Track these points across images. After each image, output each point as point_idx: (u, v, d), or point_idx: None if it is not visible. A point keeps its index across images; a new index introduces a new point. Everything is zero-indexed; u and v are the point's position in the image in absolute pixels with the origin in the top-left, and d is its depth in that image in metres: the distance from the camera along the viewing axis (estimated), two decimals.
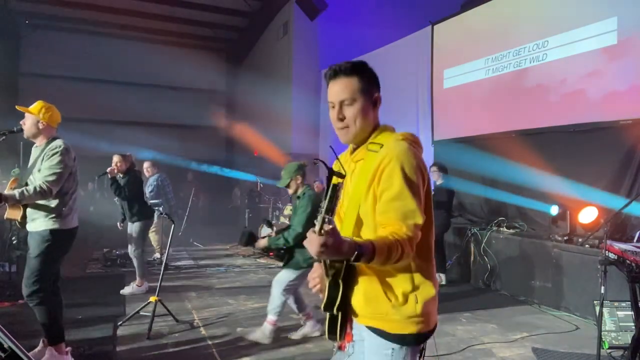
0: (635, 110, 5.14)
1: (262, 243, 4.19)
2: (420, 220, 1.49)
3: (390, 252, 1.41)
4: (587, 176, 5.57)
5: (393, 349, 1.59)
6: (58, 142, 3.44)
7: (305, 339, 4.26)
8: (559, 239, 5.47)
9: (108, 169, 5.78)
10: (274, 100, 12.53)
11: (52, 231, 3.36)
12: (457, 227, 6.95)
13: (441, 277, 6.19)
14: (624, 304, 3.66)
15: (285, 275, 4.23)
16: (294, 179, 4.12)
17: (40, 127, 3.45)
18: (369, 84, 1.63)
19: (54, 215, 3.38)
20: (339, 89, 1.61)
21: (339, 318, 1.58)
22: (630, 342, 3.24)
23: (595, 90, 5.69)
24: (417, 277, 1.59)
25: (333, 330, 1.60)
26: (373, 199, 1.56)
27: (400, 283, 1.58)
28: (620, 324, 3.65)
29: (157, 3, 12.42)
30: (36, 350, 3.48)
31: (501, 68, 6.98)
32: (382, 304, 1.58)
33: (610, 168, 5.44)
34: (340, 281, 1.54)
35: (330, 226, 1.32)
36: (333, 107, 1.63)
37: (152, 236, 7.66)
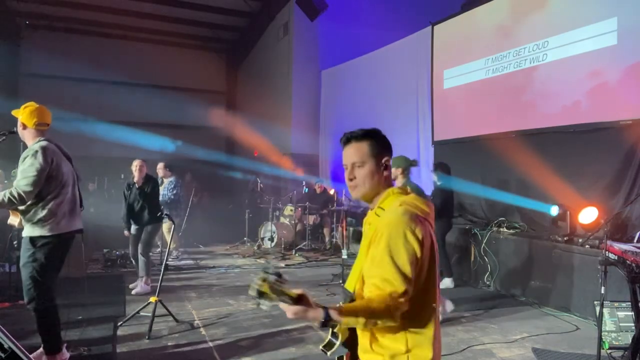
0: (635, 111, 5.14)
1: None
2: (399, 288, 1.52)
3: (361, 318, 1.50)
4: (587, 176, 5.58)
5: None
6: (35, 145, 3.28)
7: (305, 340, 4.26)
8: (559, 239, 5.47)
9: (135, 180, 5.90)
10: (274, 100, 12.53)
11: (32, 238, 3.26)
12: (457, 227, 6.94)
13: (446, 281, 6.17)
14: (624, 305, 3.66)
15: None
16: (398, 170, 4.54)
17: (20, 128, 3.37)
18: (378, 149, 1.77)
19: (33, 221, 3.26)
20: (350, 153, 1.77)
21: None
22: (630, 342, 3.24)
23: (595, 90, 5.69)
24: (411, 340, 1.62)
25: None
26: (370, 260, 1.66)
27: (391, 343, 1.63)
28: (621, 324, 3.65)
29: (157, 4, 12.43)
30: (38, 352, 3.45)
31: (501, 68, 6.99)
32: (373, 356, 1.66)
33: (611, 168, 5.44)
34: (337, 332, 1.65)
35: (295, 298, 1.46)
36: (346, 169, 1.79)
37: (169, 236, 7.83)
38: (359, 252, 1.75)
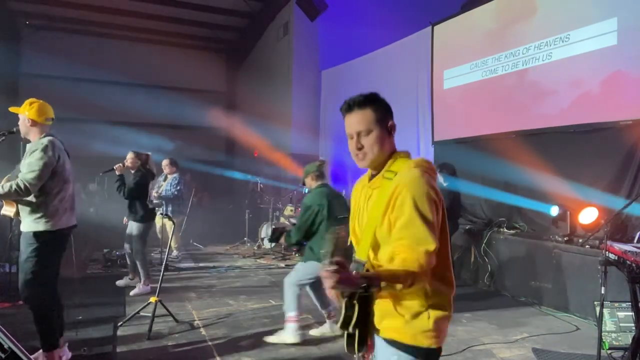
0: (635, 111, 5.14)
1: (282, 240, 4.47)
2: (431, 246, 1.56)
3: (399, 282, 1.51)
4: (588, 177, 5.57)
5: (399, 355, 1.66)
6: (43, 140, 3.34)
7: (305, 340, 4.26)
8: (559, 239, 5.47)
9: (115, 166, 5.83)
10: (274, 100, 12.53)
11: (35, 233, 3.29)
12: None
13: None
14: (624, 305, 3.66)
15: (297, 270, 4.31)
16: (307, 177, 4.53)
17: (28, 124, 3.40)
18: (382, 113, 1.75)
19: (37, 216, 3.30)
20: (355, 121, 1.73)
21: (356, 335, 1.67)
22: (630, 342, 3.24)
23: (595, 90, 5.69)
24: (431, 297, 1.66)
25: (351, 345, 1.70)
26: (388, 225, 1.65)
27: (413, 302, 1.66)
28: (621, 324, 3.65)
29: (157, 4, 12.42)
30: (38, 353, 3.45)
31: (501, 69, 6.99)
32: (395, 319, 1.67)
33: (611, 168, 5.44)
34: (355, 302, 1.63)
35: (336, 266, 1.46)
36: (351, 138, 1.75)
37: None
38: (369, 218, 1.71)
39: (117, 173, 5.83)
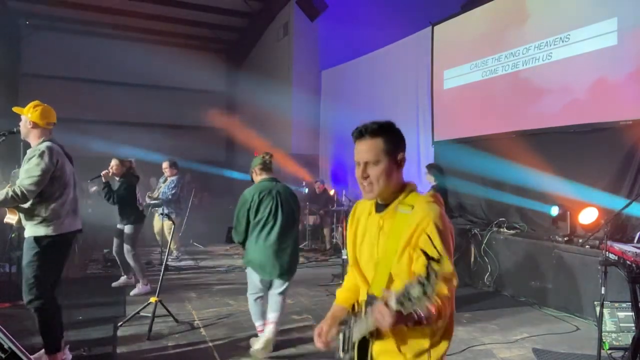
0: (635, 111, 5.14)
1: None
2: (456, 282, 1.54)
3: (432, 318, 1.46)
4: (588, 177, 5.57)
5: None
6: (41, 145, 3.33)
7: (305, 340, 4.26)
8: (560, 239, 5.47)
9: (102, 172, 5.88)
10: (274, 100, 12.54)
11: (36, 238, 3.29)
12: (457, 228, 6.93)
13: None
14: (624, 305, 3.66)
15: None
16: (252, 172, 4.26)
17: (29, 126, 3.40)
18: (394, 145, 1.68)
19: (38, 221, 3.30)
20: (364, 150, 1.67)
21: None
22: (630, 343, 3.24)
23: (595, 90, 5.69)
24: (435, 335, 1.64)
25: None
26: (408, 259, 1.60)
27: (418, 340, 1.63)
28: (621, 324, 3.65)
29: (157, 4, 12.43)
30: (39, 353, 3.46)
31: (501, 69, 6.99)
32: (395, 357, 1.64)
33: (611, 169, 5.44)
34: (355, 343, 1.63)
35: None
36: (358, 165, 1.69)
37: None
38: (385, 252, 1.66)
39: (104, 180, 5.88)
